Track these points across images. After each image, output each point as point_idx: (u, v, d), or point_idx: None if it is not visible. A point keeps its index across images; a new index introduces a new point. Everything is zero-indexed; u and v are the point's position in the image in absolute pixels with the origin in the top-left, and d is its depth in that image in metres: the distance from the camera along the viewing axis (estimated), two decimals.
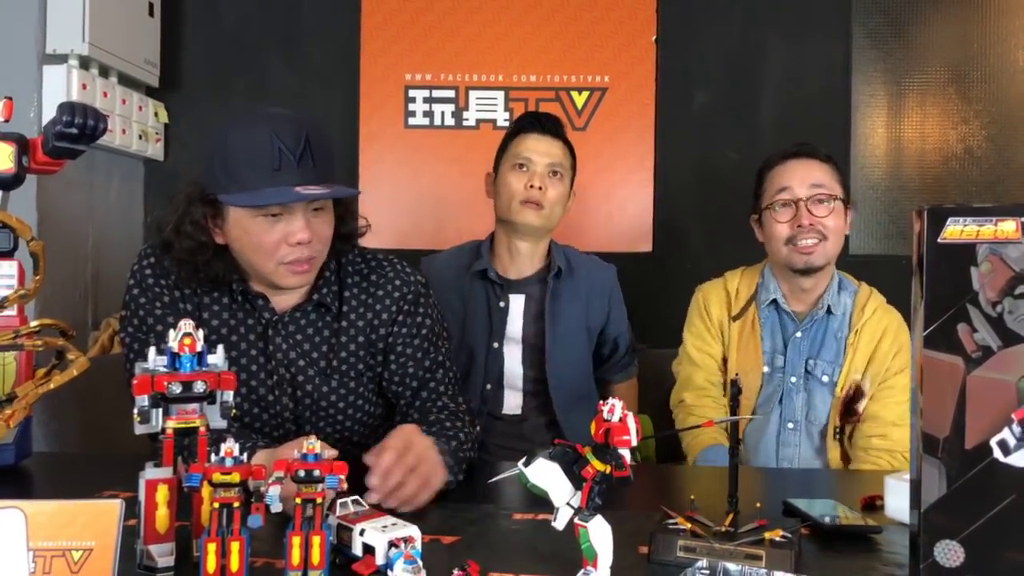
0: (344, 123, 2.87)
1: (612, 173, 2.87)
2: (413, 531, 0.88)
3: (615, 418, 0.83)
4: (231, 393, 0.91)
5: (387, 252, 1.51)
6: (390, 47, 2.87)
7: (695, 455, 1.65)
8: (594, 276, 1.93)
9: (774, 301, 1.72)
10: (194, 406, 0.89)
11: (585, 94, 2.86)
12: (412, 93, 2.87)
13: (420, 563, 0.83)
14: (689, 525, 0.95)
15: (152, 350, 0.90)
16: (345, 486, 0.85)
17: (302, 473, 0.84)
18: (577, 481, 0.83)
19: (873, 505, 1.18)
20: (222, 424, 0.92)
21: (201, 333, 0.90)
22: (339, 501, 0.93)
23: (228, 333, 1.37)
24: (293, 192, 1.21)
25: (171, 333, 0.89)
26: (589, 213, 2.86)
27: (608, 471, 0.82)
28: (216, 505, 0.82)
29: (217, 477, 0.81)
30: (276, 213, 1.26)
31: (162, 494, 0.87)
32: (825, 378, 1.67)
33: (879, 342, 1.67)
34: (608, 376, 2.03)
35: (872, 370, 1.66)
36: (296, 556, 0.83)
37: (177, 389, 0.87)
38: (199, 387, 0.88)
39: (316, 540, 0.84)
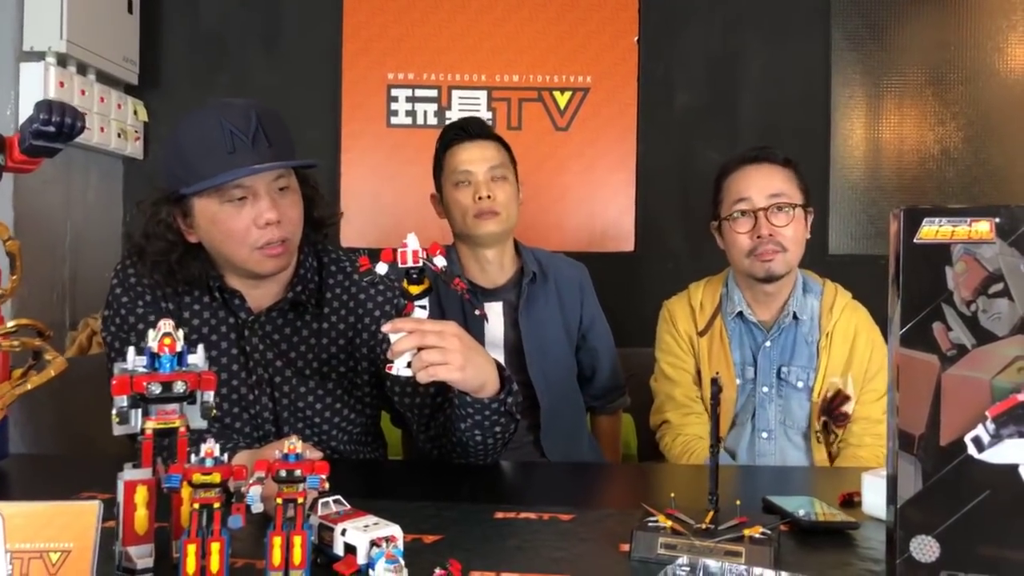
0: (326, 122, 2.86)
1: (594, 173, 2.88)
2: (395, 530, 0.88)
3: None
4: (211, 393, 0.91)
5: (370, 252, 1.52)
6: (372, 45, 2.86)
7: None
8: (563, 274, 1.91)
9: (740, 313, 1.70)
10: (174, 407, 0.89)
11: (568, 94, 2.87)
12: (395, 92, 2.86)
13: (402, 562, 0.83)
14: (670, 523, 0.95)
15: (131, 350, 0.89)
16: (326, 486, 0.85)
17: (283, 473, 0.84)
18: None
19: (851, 502, 1.19)
20: (202, 425, 0.92)
21: (181, 333, 0.90)
22: (320, 501, 0.93)
23: (208, 332, 1.36)
24: (248, 168, 1.21)
25: (151, 333, 0.89)
26: (571, 213, 2.88)
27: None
28: (196, 506, 0.81)
29: (197, 477, 0.81)
30: (241, 197, 1.26)
31: (141, 495, 0.86)
32: (800, 383, 1.67)
33: (853, 342, 1.68)
34: (590, 403, 1.98)
35: (853, 372, 1.67)
36: (277, 556, 0.83)
37: (157, 389, 0.87)
38: (179, 387, 0.87)
39: (297, 540, 0.84)
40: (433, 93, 2.87)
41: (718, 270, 1.87)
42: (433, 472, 1.36)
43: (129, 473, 0.88)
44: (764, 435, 1.67)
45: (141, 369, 0.89)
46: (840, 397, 1.67)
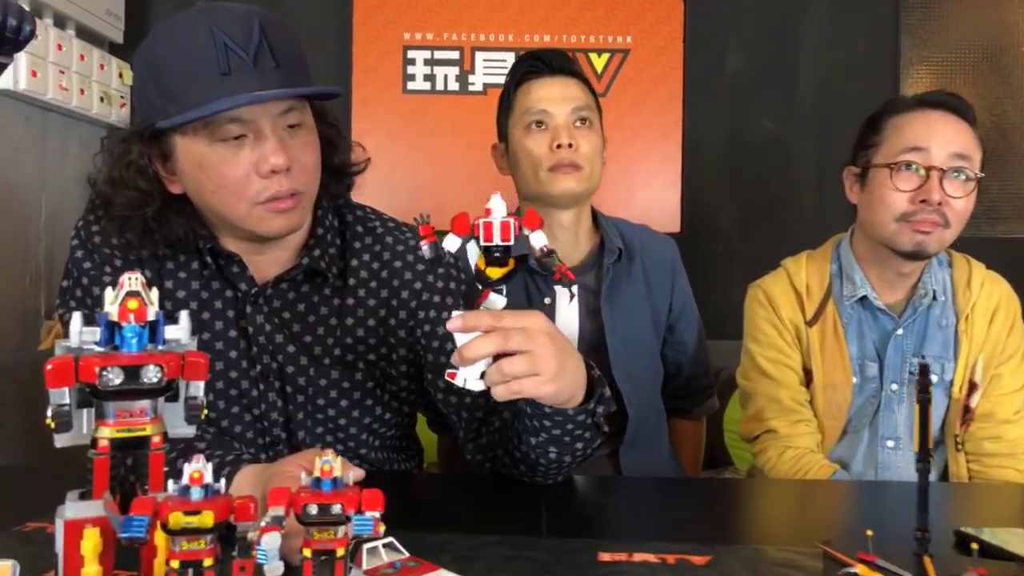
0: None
1: (635, 146, 2.57)
2: None
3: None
4: (201, 385, 0.60)
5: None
6: (387, 2, 2.55)
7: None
8: (652, 251, 1.56)
9: (863, 298, 1.38)
10: (143, 404, 0.58)
11: (605, 56, 2.57)
12: (411, 54, 2.56)
13: None
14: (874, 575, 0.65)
15: (76, 317, 0.58)
16: (381, 528, 0.54)
17: (314, 510, 0.54)
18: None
19: None
20: (188, 432, 0.61)
21: (155, 294, 0.59)
22: (367, 547, 0.62)
23: (199, 309, 1.06)
24: (248, 95, 0.91)
25: (108, 293, 0.58)
26: (610, 190, 2.56)
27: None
28: (175, 564, 0.51)
29: (177, 519, 0.50)
30: (239, 135, 0.95)
31: (90, 542, 0.55)
32: (935, 377, 1.36)
33: (992, 320, 1.37)
34: (670, 404, 1.60)
35: (985, 355, 1.36)
36: None
37: (116, 378, 0.56)
38: (150, 375, 0.56)
39: None
40: (454, 55, 2.56)
41: (772, 253, 1.53)
42: (492, 490, 1.05)
43: (73, 507, 0.57)
44: (890, 444, 1.35)
45: (94, 348, 0.58)
46: (969, 387, 1.37)
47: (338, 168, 1.10)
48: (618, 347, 1.44)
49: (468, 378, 0.82)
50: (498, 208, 0.79)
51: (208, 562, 0.52)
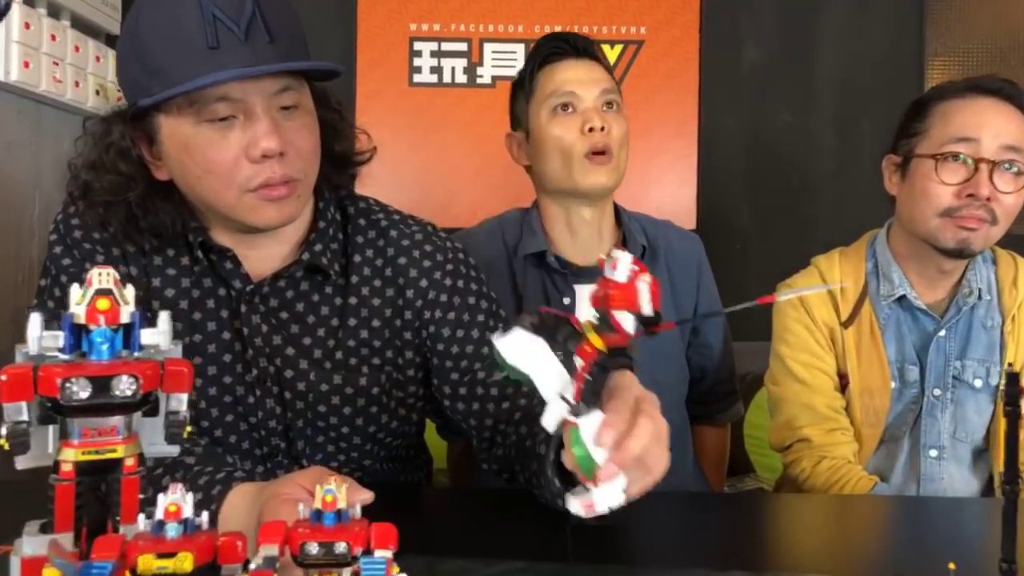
0: (339, 81, 2.45)
1: (650, 139, 2.48)
2: None
3: (620, 276, 0.61)
4: (184, 398, 0.51)
5: None
6: None
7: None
8: (677, 249, 1.47)
9: (902, 297, 1.30)
10: (115, 421, 0.49)
11: (618, 48, 2.49)
12: (418, 46, 2.47)
13: None
14: None
15: (35, 319, 0.50)
16: (395, 571, 0.46)
17: (314, 549, 0.45)
18: (572, 363, 0.62)
19: None
20: (169, 451, 0.53)
21: (130, 292, 0.50)
22: None
23: (190, 308, 0.98)
24: (238, 70, 0.83)
25: (74, 290, 0.49)
26: (623, 186, 2.47)
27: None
28: None
29: (148, 564, 0.42)
30: (226, 116, 0.87)
31: None
32: (978, 382, 1.27)
33: None
34: (693, 411, 1.51)
35: None
36: None
37: (82, 392, 0.47)
38: (123, 387, 0.48)
39: None
40: (462, 47, 2.47)
41: (792, 251, 1.44)
42: (510, 507, 0.96)
43: (31, 542, 0.48)
44: (933, 453, 1.27)
45: (57, 356, 0.49)
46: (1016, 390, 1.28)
47: (340, 156, 1.03)
48: (642, 351, 1.35)
49: (598, 503, 0.66)
50: (623, 264, 0.62)
51: None
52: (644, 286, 0.61)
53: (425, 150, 2.47)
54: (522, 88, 1.41)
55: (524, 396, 0.99)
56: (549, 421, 0.64)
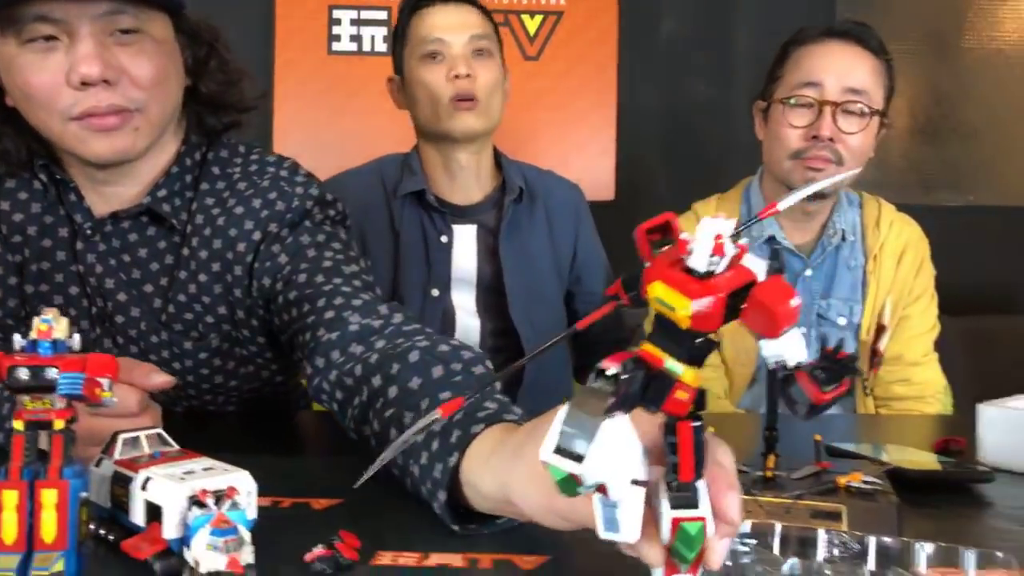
0: (256, 49, 2.45)
1: (569, 110, 2.50)
2: (236, 479, 0.50)
3: (723, 264, 0.39)
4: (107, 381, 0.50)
5: None
6: None
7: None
8: (556, 195, 1.50)
9: (770, 237, 1.34)
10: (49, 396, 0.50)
11: (538, 19, 2.50)
12: (337, 14, 2.46)
13: (244, 533, 0.45)
14: None
15: (18, 338, 0.49)
16: (104, 397, 0.47)
17: (24, 374, 0.46)
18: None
19: (947, 450, 0.83)
20: None
21: (64, 321, 0.49)
22: (122, 436, 0.54)
23: (39, 235, 0.96)
24: None
25: (35, 321, 0.49)
26: (542, 155, 2.49)
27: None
28: (20, 426, 0.47)
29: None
30: (48, 36, 0.84)
31: None
32: (842, 320, 1.31)
33: (900, 261, 1.33)
34: (580, 362, 1.53)
35: (893, 296, 1.32)
36: (11, 527, 0.45)
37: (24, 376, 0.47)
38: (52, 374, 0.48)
39: (49, 498, 0.45)
40: (382, 15, 2.47)
41: None
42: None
43: None
44: None
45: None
46: (878, 330, 1.32)
47: (210, 98, 0.97)
48: (517, 289, 1.38)
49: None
50: (706, 240, 0.39)
51: (59, 424, 0.46)
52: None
53: (345, 118, 2.46)
54: (397, 35, 1.44)
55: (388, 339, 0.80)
56: (631, 528, 0.41)
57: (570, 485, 0.37)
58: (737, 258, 0.39)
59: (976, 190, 2.55)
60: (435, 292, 1.41)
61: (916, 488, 0.68)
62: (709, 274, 0.38)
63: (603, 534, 0.41)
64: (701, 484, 0.41)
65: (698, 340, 0.39)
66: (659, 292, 0.39)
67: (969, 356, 2.04)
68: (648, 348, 0.39)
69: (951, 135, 2.53)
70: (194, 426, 0.95)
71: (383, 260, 1.40)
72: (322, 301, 0.85)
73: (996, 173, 2.55)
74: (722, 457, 0.44)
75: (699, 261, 0.38)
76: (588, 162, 2.52)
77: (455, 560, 0.52)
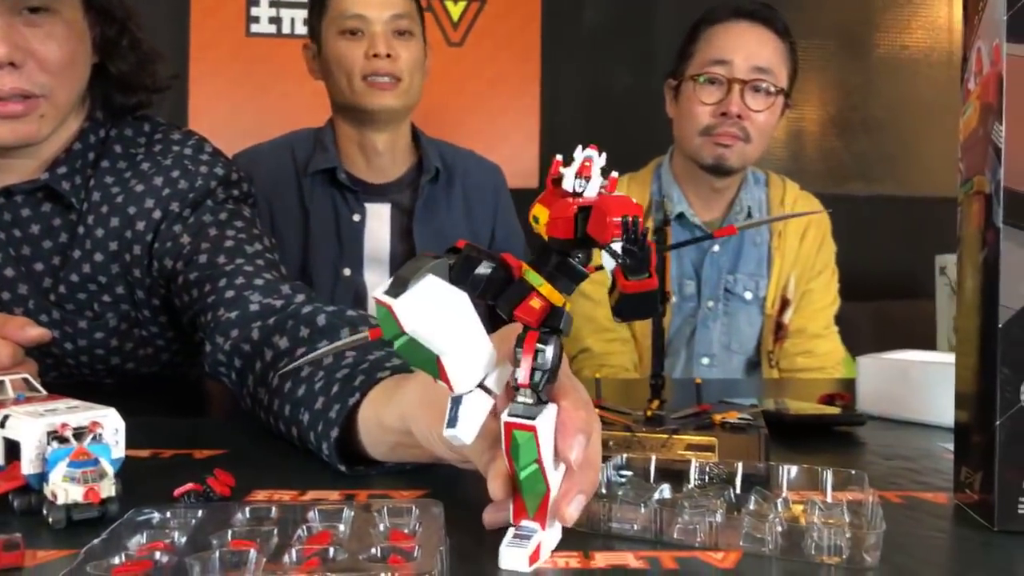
0: (171, 30, 2.38)
1: (493, 98, 2.51)
2: (101, 414, 0.48)
3: (591, 188, 0.42)
4: None
5: None
6: None
7: None
8: (474, 175, 1.51)
9: (680, 215, 1.38)
10: None
11: (462, 5, 2.50)
12: None
13: (107, 467, 0.44)
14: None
15: None
16: None
17: None
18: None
19: (832, 403, 0.87)
20: None
21: None
22: None
23: None
24: None
25: None
26: (466, 143, 2.43)
27: (564, 304, 0.42)
28: None
29: None
30: None
31: None
32: (749, 294, 1.36)
33: (803, 237, 1.38)
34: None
35: (797, 271, 1.37)
36: None
37: None
38: None
39: None
40: None
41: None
42: None
43: None
44: (705, 361, 1.34)
45: None
46: (782, 304, 1.37)
47: (121, 79, 0.95)
48: None
49: (545, 547, 0.44)
50: (575, 163, 0.44)
51: None
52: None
53: (264, 101, 2.41)
54: (315, 3, 1.41)
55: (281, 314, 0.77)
56: (465, 429, 0.40)
57: (391, 325, 0.38)
58: (609, 189, 0.44)
59: (883, 181, 2.66)
60: (347, 271, 1.39)
61: (793, 433, 0.71)
62: (578, 195, 0.43)
63: (444, 431, 0.41)
64: (551, 407, 0.42)
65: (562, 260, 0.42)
66: (535, 211, 0.43)
67: (875, 338, 2.13)
68: (511, 257, 0.43)
69: (860, 128, 2.63)
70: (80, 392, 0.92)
71: (292, 238, 1.38)
72: (223, 281, 0.84)
73: (901, 165, 2.66)
74: (575, 401, 0.44)
75: (567, 181, 0.43)
76: (512, 150, 2.52)
77: (331, 495, 0.51)
